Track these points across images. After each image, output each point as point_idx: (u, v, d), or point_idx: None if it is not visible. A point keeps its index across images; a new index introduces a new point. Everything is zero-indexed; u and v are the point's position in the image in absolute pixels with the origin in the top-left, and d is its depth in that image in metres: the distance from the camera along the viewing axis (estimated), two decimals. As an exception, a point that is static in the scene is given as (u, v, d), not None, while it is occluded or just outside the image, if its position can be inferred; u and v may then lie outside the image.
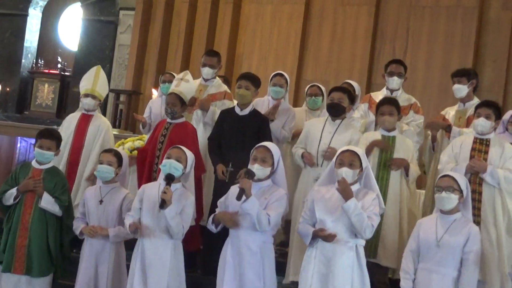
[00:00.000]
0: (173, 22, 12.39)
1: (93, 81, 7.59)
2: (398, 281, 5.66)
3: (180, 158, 5.82)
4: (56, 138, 6.36)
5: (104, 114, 10.54)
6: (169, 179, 5.72)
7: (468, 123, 7.04)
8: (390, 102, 6.66)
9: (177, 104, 6.94)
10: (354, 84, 8.23)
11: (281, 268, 6.56)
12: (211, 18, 12.02)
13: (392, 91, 7.49)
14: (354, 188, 5.45)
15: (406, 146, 6.64)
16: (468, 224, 5.50)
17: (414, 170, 6.56)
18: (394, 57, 9.95)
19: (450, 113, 7.30)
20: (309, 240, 5.43)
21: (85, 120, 7.58)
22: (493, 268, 6.04)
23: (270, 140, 6.51)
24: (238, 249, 5.55)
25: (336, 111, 6.77)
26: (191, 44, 12.06)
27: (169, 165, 5.77)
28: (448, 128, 7.03)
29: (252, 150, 5.72)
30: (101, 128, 7.50)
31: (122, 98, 12.71)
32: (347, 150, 5.54)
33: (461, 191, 5.53)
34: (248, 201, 5.41)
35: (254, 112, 6.98)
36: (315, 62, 11.01)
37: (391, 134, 6.63)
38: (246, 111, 6.97)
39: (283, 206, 5.59)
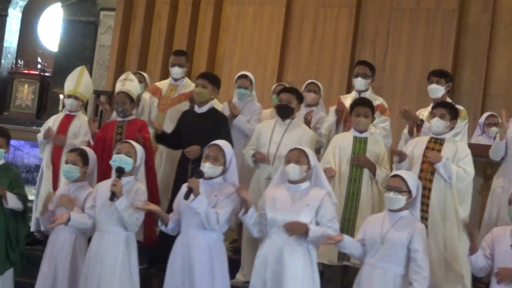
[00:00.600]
0: (154, 23, 12.33)
1: (76, 82, 7.62)
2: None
3: (130, 153, 5.99)
4: (6, 136, 6.50)
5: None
6: (119, 172, 5.86)
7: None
8: (366, 103, 6.73)
9: (127, 102, 7.21)
10: (318, 83, 8.29)
11: (237, 266, 6.77)
12: (192, 19, 11.97)
13: (359, 92, 7.52)
14: (304, 185, 5.61)
15: (378, 148, 6.72)
16: (414, 222, 5.54)
17: (381, 171, 6.60)
18: (374, 60, 10.13)
19: (423, 114, 7.33)
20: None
21: (67, 120, 7.61)
22: (437, 268, 6.09)
23: (229, 137, 6.66)
24: (187, 247, 5.62)
25: (285, 112, 6.95)
26: (172, 45, 12.00)
27: (119, 159, 5.93)
28: (421, 123, 7.07)
29: (204, 148, 5.82)
30: (82, 128, 7.50)
31: (103, 99, 12.61)
32: (295, 149, 5.72)
33: (409, 192, 5.56)
34: (196, 200, 5.50)
35: (213, 110, 7.08)
36: (296, 64, 11.01)
37: (363, 135, 6.70)
38: (204, 109, 7.08)
39: (234, 204, 5.65)
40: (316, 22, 11.01)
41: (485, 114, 8.92)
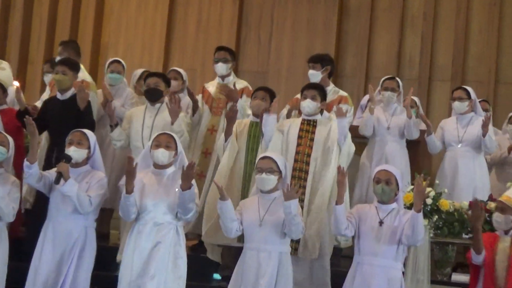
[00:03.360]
0: (35, 9, 11.83)
1: None
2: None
3: (3, 142, 5.97)
4: None
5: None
6: None
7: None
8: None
9: None
10: (181, 71, 8.31)
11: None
12: (74, 5, 11.57)
13: (222, 77, 7.69)
14: (171, 170, 5.68)
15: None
16: None
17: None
18: (259, 45, 10.19)
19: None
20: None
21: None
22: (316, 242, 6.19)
23: (92, 123, 6.80)
24: (58, 234, 5.70)
25: (153, 95, 7.01)
26: (54, 32, 11.62)
27: None
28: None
29: (68, 135, 5.94)
30: None
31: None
32: (164, 133, 5.78)
33: (280, 172, 5.63)
34: (66, 184, 5.60)
35: (75, 97, 6.97)
36: (181, 51, 10.89)
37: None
38: (67, 95, 7.08)
39: (104, 188, 5.81)
40: (201, 8, 10.92)
41: (367, 96, 8.97)
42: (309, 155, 6.46)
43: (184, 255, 5.66)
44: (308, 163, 6.43)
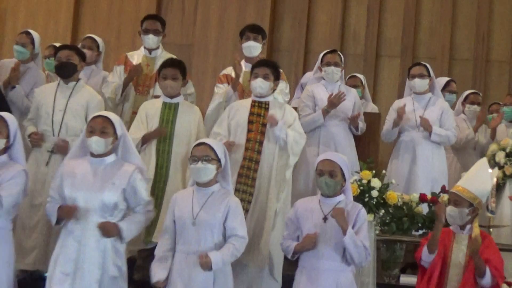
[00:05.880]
0: None
1: None
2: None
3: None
4: None
5: None
6: None
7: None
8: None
9: None
10: (98, 38, 8.10)
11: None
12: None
13: (150, 50, 7.46)
14: (110, 159, 5.50)
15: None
16: (227, 197, 5.49)
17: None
18: (183, 15, 10.07)
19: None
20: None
21: None
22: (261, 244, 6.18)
23: (6, 106, 6.61)
24: None
25: (66, 71, 6.73)
26: None
27: None
28: None
29: None
30: None
31: None
32: (98, 116, 5.55)
33: (218, 160, 5.50)
34: None
35: None
36: (93, 19, 10.69)
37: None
38: None
39: (20, 184, 5.52)
40: (116, -29, 10.79)
41: (309, 74, 8.92)
42: (261, 143, 6.42)
43: (124, 262, 5.51)
44: (260, 152, 6.40)
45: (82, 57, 6.87)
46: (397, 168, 7.59)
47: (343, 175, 5.46)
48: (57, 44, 7.83)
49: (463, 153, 8.29)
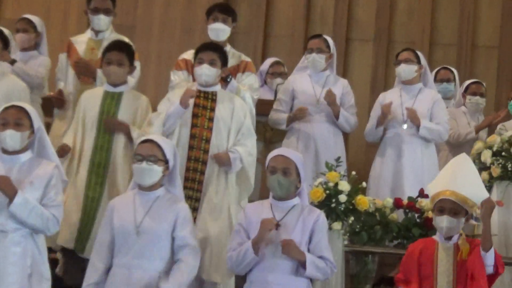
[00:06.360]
0: None
1: None
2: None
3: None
4: None
5: None
6: None
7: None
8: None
9: None
10: (34, 18, 8.04)
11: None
12: None
13: (97, 32, 7.48)
14: (26, 157, 5.39)
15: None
16: (176, 203, 5.51)
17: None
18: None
19: None
20: None
21: None
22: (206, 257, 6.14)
23: None
24: None
25: None
26: None
27: None
28: (230, 78, 7.02)
29: None
30: None
31: None
32: (12, 106, 5.44)
33: (166, 161, 5.49)
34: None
35: None
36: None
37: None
38: None
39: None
40: None
41: (269, 60, 9.16)
42: (207, 141, 6.42)
43: (48, 273, 5.41)
44: (206, 151, 6.40)
45: (4, 43, 6.96)
46: (381, 168, 7.62)
47: (298, 174, 5.46)
48: None
49: (459, 151, 8.16)
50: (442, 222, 5.46)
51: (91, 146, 6.60)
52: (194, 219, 6.18)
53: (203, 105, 6.48)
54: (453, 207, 5.47)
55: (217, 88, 6.55)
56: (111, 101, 6.65)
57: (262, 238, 5.28)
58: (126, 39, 7.39)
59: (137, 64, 7.23)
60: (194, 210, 6.28)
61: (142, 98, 6.80)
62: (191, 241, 5.45)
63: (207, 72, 6.45)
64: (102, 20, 7.42)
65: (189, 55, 7.23)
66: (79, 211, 6.51)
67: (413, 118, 7.43)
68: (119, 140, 6.61)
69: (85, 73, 7.28)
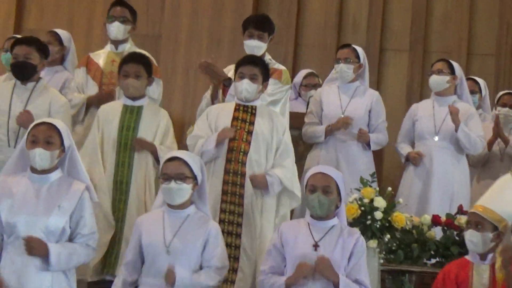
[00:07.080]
0: None
1: None
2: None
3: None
4: None
5: None
6: None
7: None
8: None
9: None
10: (61, 32, 8.01)
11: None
12: None
13: (117, 45, 7.43)
14: (55, 176, 5.31)
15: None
16: (206, 222, 5.51)
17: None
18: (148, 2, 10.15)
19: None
20: None
21: None
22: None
23: None
24: None
25: (23, 72, 6.62)
26: None
27: None
28: (227, 83, 7.00)
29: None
30: None
31: None
32: (42, 123, 5.37)
33: (195, 178, 5.48)
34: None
35: None
36: (40, 8, 10.53)
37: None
38: None
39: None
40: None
41: (303, 72, 9.16)
42: (245, 153, 6.38)
43: None
44: (244, 164, 6.35)
45: (44, 54, 6.76)
46: (409, 184, 7.63)
47: (338, 193, 5.43)
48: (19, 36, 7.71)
49: (489, 165, 8.14)
50: (466, 235, 5.46)
51: (112, 162, 6.59)
52: (238, 235, 6.26)
53: (242, 118, 6.47)
54: (479, 221, 5.41)
55: (257, 102, 6.52)
56: (131, 115, 6.65)
57: (297, 281, 5.26)
58: (146, 53, 7.31)
59: (158, 82, 7.23)
60: (238, 225, 6.31)
61: (162, 113, 6.79)
62: (217, 263, 5.45)
63: (247, 88, 6.41)
64: (116, 28, 7.38)
65: (229, 69, 7.23)
66: (110, 231, 6.49)
67: (455, 116, 7.40)
68: (141, 156, 6.60)
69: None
